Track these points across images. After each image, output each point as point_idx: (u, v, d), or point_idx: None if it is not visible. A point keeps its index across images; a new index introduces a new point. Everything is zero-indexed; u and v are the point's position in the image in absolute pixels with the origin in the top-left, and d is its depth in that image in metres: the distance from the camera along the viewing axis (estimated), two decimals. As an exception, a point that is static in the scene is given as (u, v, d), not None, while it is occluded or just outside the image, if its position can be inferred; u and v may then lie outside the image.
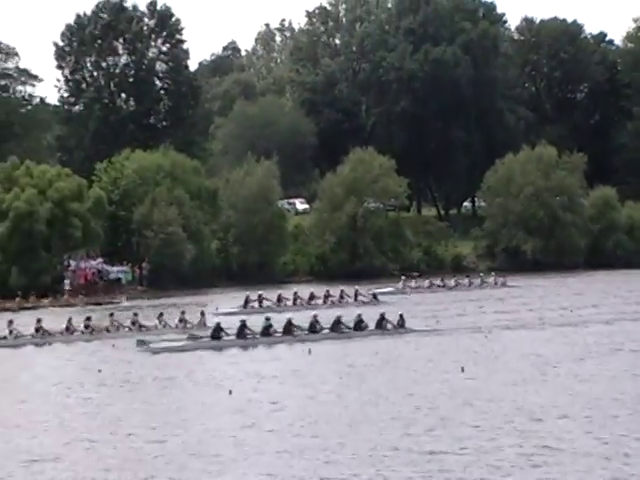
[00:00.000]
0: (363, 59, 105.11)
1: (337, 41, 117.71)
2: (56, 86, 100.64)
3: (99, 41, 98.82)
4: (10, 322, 40.85)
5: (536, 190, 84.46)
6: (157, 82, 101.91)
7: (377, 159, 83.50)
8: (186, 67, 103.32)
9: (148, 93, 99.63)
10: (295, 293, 53.17)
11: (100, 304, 60.97)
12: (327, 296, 53.37)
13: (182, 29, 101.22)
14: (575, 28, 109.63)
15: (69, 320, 41.43)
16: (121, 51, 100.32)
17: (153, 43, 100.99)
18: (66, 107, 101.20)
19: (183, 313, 42.86)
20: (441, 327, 40.41)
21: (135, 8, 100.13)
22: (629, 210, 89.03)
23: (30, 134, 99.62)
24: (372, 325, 38.89)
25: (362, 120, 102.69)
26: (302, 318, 39.26)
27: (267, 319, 37.96)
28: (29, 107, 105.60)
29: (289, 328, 37.71)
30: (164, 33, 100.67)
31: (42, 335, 40.79)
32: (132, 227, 75.18)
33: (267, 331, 37.46)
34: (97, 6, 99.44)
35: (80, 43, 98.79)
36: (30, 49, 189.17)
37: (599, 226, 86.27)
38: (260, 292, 53.50)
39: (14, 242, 69.60)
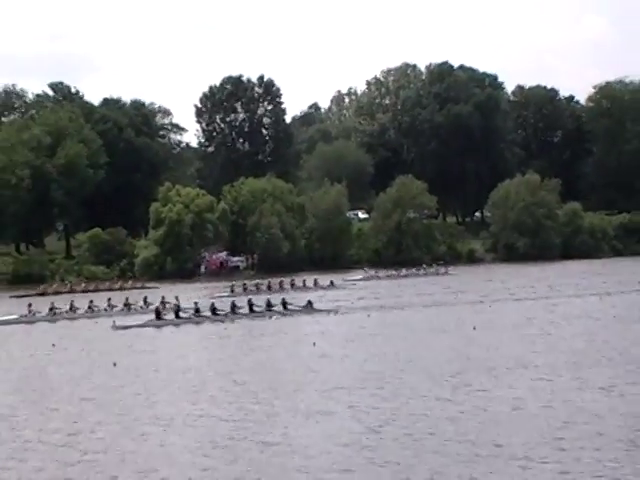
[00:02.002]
0: (405, 114, 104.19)
1: (387, 101, 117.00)
2: (196, 134, 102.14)
3: (225, 104, 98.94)
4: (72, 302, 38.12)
5: (526, 204, 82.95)
6: (264, 131, 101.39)
7: (415, 183, 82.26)
8: (283, 120, 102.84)
9: (257, 138, 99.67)
10: (274, 281, 48.52)
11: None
12: (292, 284, 48.46)
13: (281, 94, 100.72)
14: (553, 92, 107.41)
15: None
16: (240, 110, 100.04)
17: (261, 104, 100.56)
18: (203, 149, 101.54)
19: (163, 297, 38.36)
20: (341, 309, 35.68)
21: (249, 80, 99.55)
22: (590, 218, 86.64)
23: (179, 167, 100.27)
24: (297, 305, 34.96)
25: (404, 156, 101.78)
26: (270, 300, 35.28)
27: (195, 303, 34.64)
28: (178, 149, 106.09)
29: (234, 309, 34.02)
30: (269, 97, 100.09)
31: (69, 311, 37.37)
32: (247, 230, 75.54)
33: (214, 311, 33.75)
34: (223, 80, 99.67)
35: (212, 105, 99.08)
36: (179, 109, 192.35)
37: (569, 229, 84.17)
38: (245, 282, 50.48)
39: (168, 241, 70.53)
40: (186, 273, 67.56)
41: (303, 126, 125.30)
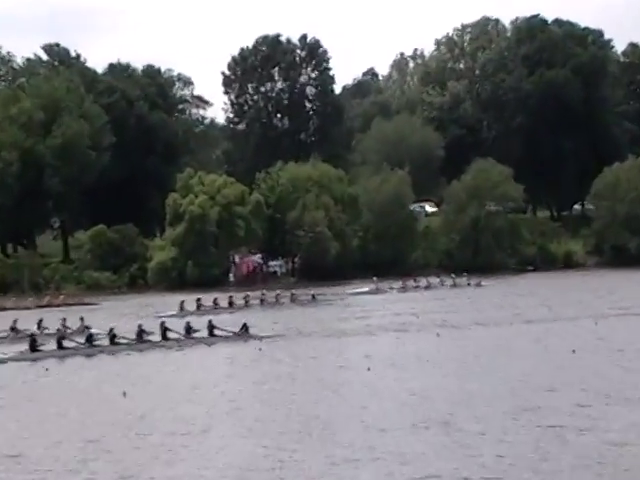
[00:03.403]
0: (485, 81, 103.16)
1: (462, 66, 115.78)
2: (223, 109, 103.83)
3: (259, 70, 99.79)
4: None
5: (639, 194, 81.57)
6: (307, 104, 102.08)
7: (496, 168, 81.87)
8: (332, 91, 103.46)
9: (299, 113, 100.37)
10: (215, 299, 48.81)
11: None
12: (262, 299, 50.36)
13: (329, 58, 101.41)
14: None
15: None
16: (277, 78, 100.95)
17: (304, 71, 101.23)
18: (231, 126, 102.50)
19: (64, 320, 37.21)
20: (283, 333, 36.63)
21: (289, 41, 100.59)
22: None
23: (202, 149, 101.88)
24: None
25: (483, 134, 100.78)
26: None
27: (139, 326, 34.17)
28: (202, 127, 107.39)
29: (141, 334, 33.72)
30: (313, 62, 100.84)
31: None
32: (286, 227, 75.78)
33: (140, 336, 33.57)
34: (257, 41, 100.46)
35: (243, 72, 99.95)
36: (202, 78, 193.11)
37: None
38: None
39: (189, 240, 71.01)
40: (211, 280, 67.78)
41: (356, 98, 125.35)
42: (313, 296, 52.06)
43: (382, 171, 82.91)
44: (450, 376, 25.11)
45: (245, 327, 35.07)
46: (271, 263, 75.72)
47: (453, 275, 63.67)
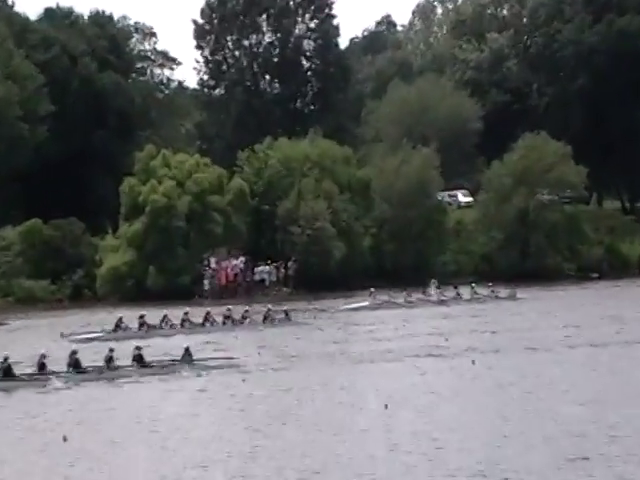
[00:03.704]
0: (535, 32, 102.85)
1: (505, 12, 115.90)
2: (195, 68, 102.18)
3: (241, 17, 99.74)
4: None
5: None
6: (304, 62, 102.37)
7: (551, 145, 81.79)
8: (336, 45, 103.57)
9: (294, 75, 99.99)
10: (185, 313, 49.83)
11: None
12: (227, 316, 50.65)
13: (332, 3, 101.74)
14: None
15: None
16: (265, 28, 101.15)
17: (300, 19, 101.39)
18: (206, 91, 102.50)
19: None
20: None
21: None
22: None
23: (168, 121, 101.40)
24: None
25: (533, 101, 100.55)
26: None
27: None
28: (167, 92, 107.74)
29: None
30: (312, 7, 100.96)
31: None
32: (277, 223, 75.35)
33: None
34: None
35: (221, 20, 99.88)
36: (168, 30, 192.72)
37: None
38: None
39: (151, 240, 70.88)
40: (180, 291, 67.30)
41: (368, 54, 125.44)
42: (286, 313, 52.01)
43: (401, 149, 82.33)
44: (490, 417, 25.31)
45: (188, 353, 35.55)
46: (257, 269, 74.58)
47: (473, 284, 63.63)
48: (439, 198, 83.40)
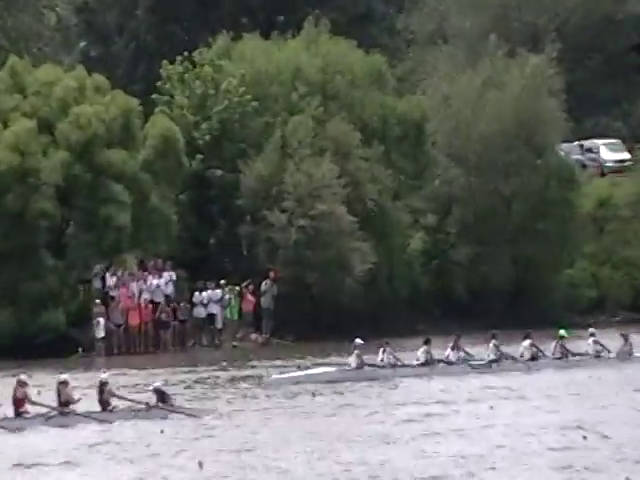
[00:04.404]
0: None
1: None
2: None
3: None
4: None
5: None
6: None
7: None
8: None
9: None
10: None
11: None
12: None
13: None
14: None
15: None
16: None
17: None
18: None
19: None
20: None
21: None
22: None
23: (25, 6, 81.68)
24: None
25: None
26: None
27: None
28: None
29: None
30: None
31: None
32: (239, 204, 53.00)
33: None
34: None
35: None
36: None
37: None
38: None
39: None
40: (44, 343, 48.76)
41: None
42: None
43: (487, 58, 60.36)
44: None
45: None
46: (200, 295, 52.42)
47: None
48: (563, 154, 60.83)
